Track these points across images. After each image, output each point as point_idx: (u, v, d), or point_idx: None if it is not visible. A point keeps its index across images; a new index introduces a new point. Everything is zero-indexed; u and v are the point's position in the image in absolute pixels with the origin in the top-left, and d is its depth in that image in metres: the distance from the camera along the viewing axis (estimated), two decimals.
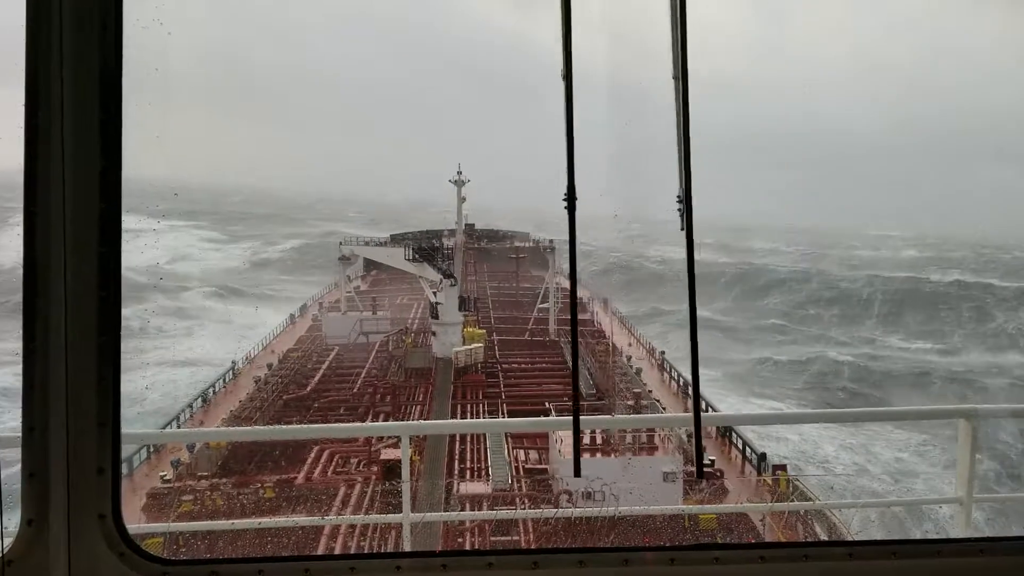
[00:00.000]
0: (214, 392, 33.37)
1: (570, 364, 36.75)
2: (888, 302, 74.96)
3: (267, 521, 16.98)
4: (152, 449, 25.90)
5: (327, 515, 21.47)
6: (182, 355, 45.70)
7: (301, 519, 14.65)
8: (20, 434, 2.92)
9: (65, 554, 2.86)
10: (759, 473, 25.32)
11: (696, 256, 3.22)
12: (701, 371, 3.39)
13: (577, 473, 21.96)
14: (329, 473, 24.90)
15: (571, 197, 3.13)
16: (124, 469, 24.10)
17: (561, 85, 3.02)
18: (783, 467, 24.53)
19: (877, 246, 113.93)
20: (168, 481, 24.04)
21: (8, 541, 2.90)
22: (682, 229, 3.17)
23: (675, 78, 3.17)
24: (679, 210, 3.17)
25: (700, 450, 3.82)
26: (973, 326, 68.48)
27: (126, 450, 24.01)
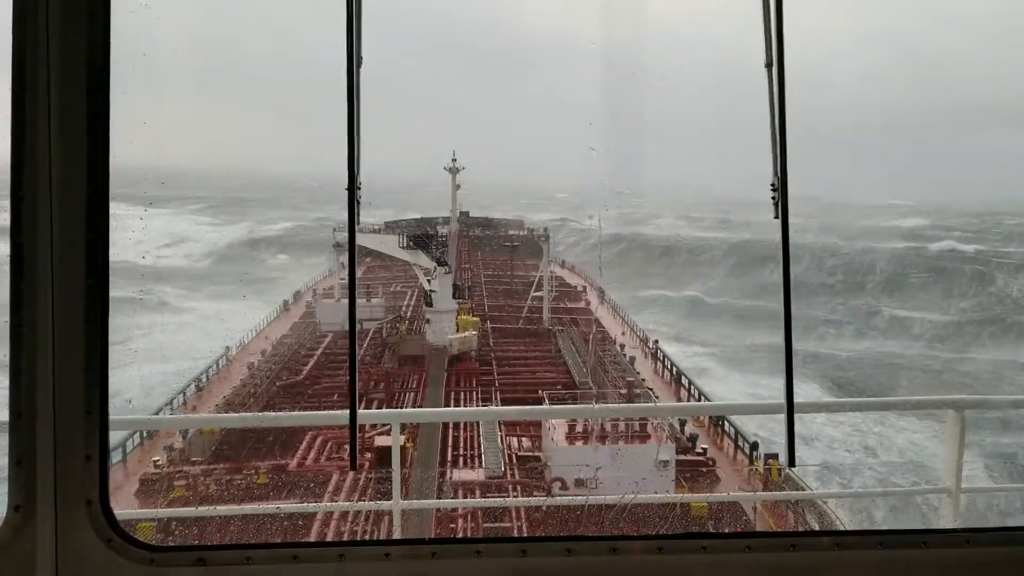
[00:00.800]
0: (207, 378, 33.35)
1: (563, 353, 36.89)
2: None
3: (253, 508, 17.03)
4: (145, 435, 25.91)
5: (320, 501, 21.53)
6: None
7: (289, 506, 14.69)
8: (7, 421, 2.92)
9: (52, 540, 2.87)
10: (751, 462, 25.46)
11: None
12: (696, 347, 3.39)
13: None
14: (322, 460, 24.93)
15: (782, 184, 3.10)
16: (118, 455, 24.12)
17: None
18: (775, 456, 24.67)
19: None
20: (161, 467, 24.06)
21: None
22: (776, 217, 3.17)
23: (767, 66, 3.16)
24: (773, 198, 3.17)
25: (792, 439, 3.57)
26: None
27: (119, 436, 24.02)
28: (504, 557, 3.21)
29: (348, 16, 3.01)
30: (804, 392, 41.11)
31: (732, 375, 47.62)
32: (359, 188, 3.12)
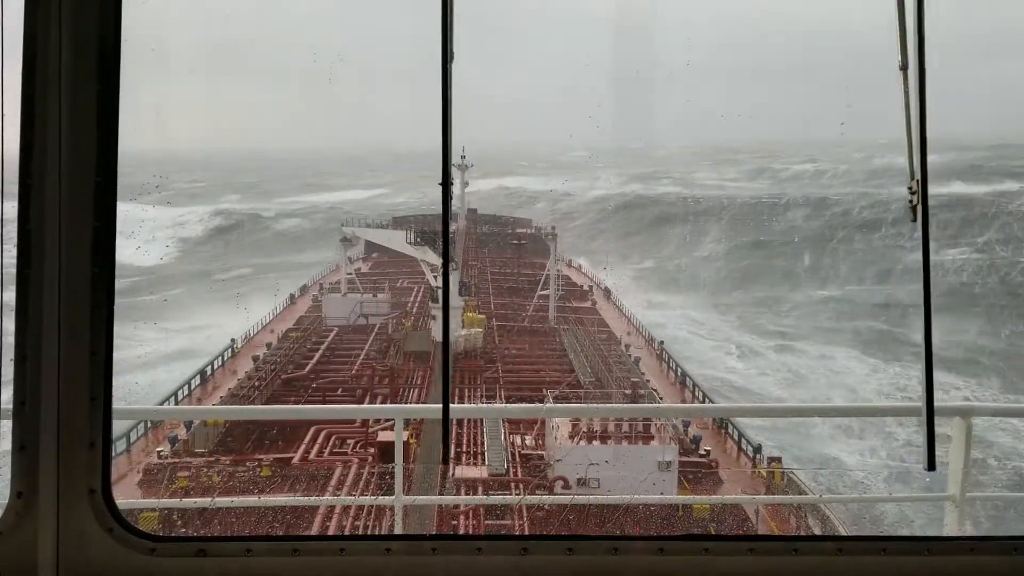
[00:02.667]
0: (212, 370, 33.43)
1: (569, 352, 36.88)
2: None
3: (255, 500, 17.06)
4: (150, 425, 25.99)
5: (323, 495, 21.58)
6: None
7: (291, 499, 14.74)
8: (11, 407, 2.92)
9: (53, 528, 2.88)
10: (754, 465, 25.43)
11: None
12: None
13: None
14: (326, 453, 24.99)
15: (923, 190, 3.06)
16: (122, 444, 24.21)
17: None
18: (778, 459, 24.63)
19: None
20: (165, 457, 24.14)
21: None
22: (913, 220, 3.10)
23: (901, 68, 3.10)
24: (910, 202, 3.10)
25: (932, 440, 3.46)
26: None
27: (124, 425, 24.10)
28: (505, 555, 3.20)
29: (443, 13, 3.00)
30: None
31: None
32: (452, 184, 3.14)
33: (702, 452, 25.58)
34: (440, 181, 3.15)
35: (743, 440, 26.64)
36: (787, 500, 22.77)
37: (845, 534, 17.82)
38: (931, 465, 3.30)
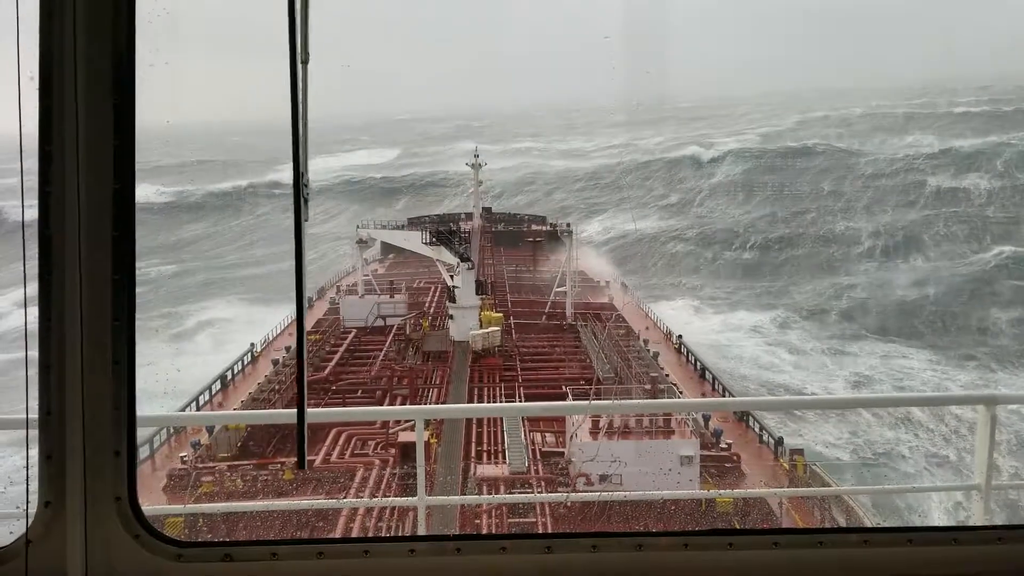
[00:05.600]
0: (232, 375, 33.64)
1: (588, 348, 36.81)
2: None
3: (278, 504, 17.17)
4: (173, 431, 26.19)
5: (345, 497, 21.66)
6: None
7: (314, 501, 14.83)
8: (37, 417, 2.95)
9: (81, 535, 2.90)
10: (776, 458, 25.28)
11: None
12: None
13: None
14: (347, 455, 25.08)
15: None
16: (145, 450, 24.41)
17: None
18: (800, 451, 24.47)
19: None
20: (188, 462, 24.31)
21: (28, 522, 2.94)
22: None
23: None
24: None
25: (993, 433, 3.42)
26: None
27: (147, 432, 24.30)
28: (529, 553, 3.20)
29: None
30: None
31: None
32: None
33: (723, 446, 25.48)
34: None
35: (764, 433, 26.50)
36: (810, 492, 22.62)
37: (871, 525, 17.70)
38: None
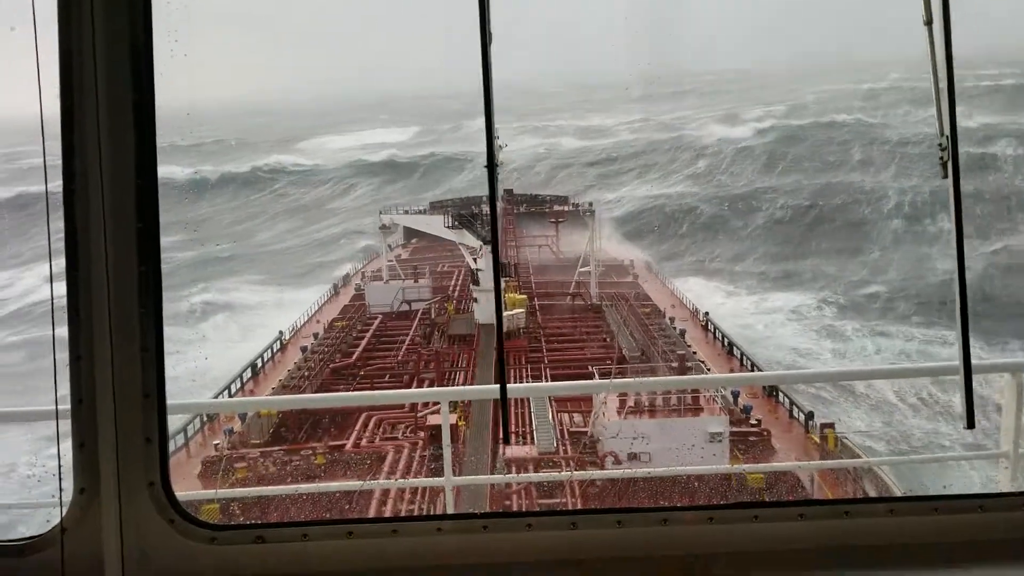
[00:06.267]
0: (262, 363, 34.01)
1: (613, 328, 36.76)
2: None
3: (309, 487, 17.40)
4: (206, 419, 26.58)
5: (375, 480, 21.89)
6: None
7: (342, 483, 15.05)
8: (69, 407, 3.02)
9: (116, 521, 2.97)
10: (807, 432, 25.16)
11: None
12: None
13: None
14: (377, 439, 25.34)
15: (953, 144, 3.05)
16: (180, 439, 24.80)
17: None
18: (831, 425, 24.32)
19: None
20: (221, 449, 24.69)
21: (63, 510, 3.02)
22: (944, 177, 3.08)
23: (926, 23, 3.06)
24: (941, 159, 3.08)
25: (971, 400, 3.51)
26: None
27: (181, 420, 24.68)
28: (555, 530, 3.24)
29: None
30: None
31: None
32: None
33: (753, 421, 25.40)
34: (485, 164, 3.17)
35: (795, 408, 26.36)
36: (837, 465, 22.47)
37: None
38: (971, 423, 3.26)
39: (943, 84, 3.01)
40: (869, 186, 68.16)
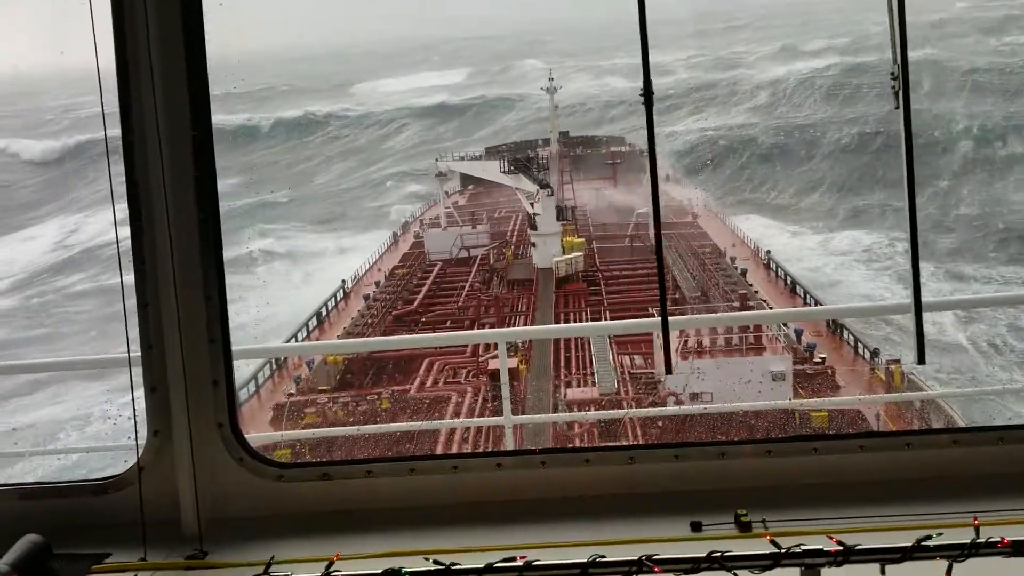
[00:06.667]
0: (326, 311, 34.70)
1: (673, 270, 36.39)
2: None
3: (370, 427, 17.86)
4: (275, 368, 27.33)
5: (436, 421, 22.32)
6: None
7: (403, 424, 15.38)
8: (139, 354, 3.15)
9: (189, 460, 3.11)
10: (873, 369, 24.72)
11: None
12: None
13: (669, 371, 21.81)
14: (440, 384, 25.79)
15: (903, 73, 3.04)
16: (251, 387, 25.61)
17: None
18: (897, 361, 23.82)
19: None
20: (291, 395, 25.44)
21: (138, 451, 3.17)
22: (896, 108, 3.06)
23: None
24: (893, 87, 3.06)
25: (922, 337, 3.52)
26: None
27: (250, 368, 25.44)
28: (612, 465, 3.27)
29: None
30: None
31: None
32: None
33: (817, 360, 25.04)
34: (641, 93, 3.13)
35: (859, 344, 25.87)
36: (898, 398, 22.05)
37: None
38: (921, 359, 3.18)
39: (896, 17, 2.93)
40: (938, 112, 65.17)
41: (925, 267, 43.46)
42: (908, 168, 3.14)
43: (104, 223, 53.86)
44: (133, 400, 3.13)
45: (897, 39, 2.98)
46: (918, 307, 3.18)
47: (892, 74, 3.01)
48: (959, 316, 33.31)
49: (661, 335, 3.69)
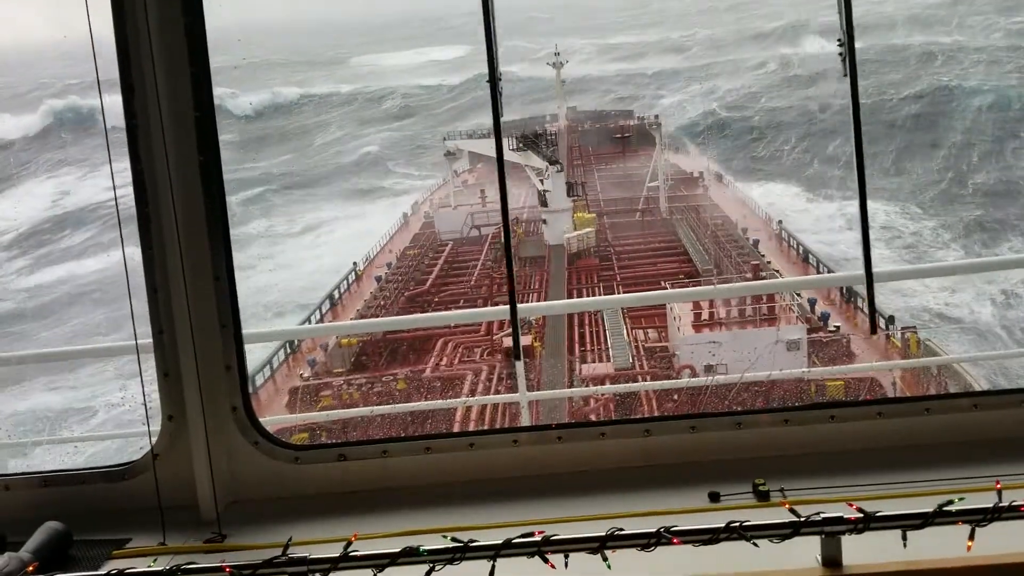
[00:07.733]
0: (339, 294, 34.78)
1: (684, 242, 36.22)
2: None
3: (384, 408, 17.85)
4: (289, 351, 27.44)
5: (451, 400, 22.37)
6: None
7: (418, 404, 15.42)
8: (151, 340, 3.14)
9: (204, 444, 3.11)
10: (888, 336, 24.58)
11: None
12: None
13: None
14: (455, 363, 25.84)
15: (849, 40, 3.07)
16: (266, 371, 25.74)
17: None
18: (913, 328, 23.68)
19: None
20: (307, 379, 25.56)
21: (151, 438, 3.17)
22: (845, 75, 3.07)
23: None
24: (840, 54, 3.07)
25: (874, 308, 3.55)
26: None
27: (267, 352, 25.56)
28: (629, 438, 3.25)
29: None
30: None
31: None
32: None
33: (831, 328, 24.93)
34: None
35: (875, 312, 25.67)
36: (914, 364, 21.92)
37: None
38: (873, 330, 3.19)
39: None
40: (952, 81, 64.40)
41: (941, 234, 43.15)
42: (856, 136, 3.13)
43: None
44: (143, 385, 3.12)
45: (842, 6, 2.98)
46: (869, 278, 3.17)
47: (839, 40, 3.00)
48: (996, 302, 33.32)
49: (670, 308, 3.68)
